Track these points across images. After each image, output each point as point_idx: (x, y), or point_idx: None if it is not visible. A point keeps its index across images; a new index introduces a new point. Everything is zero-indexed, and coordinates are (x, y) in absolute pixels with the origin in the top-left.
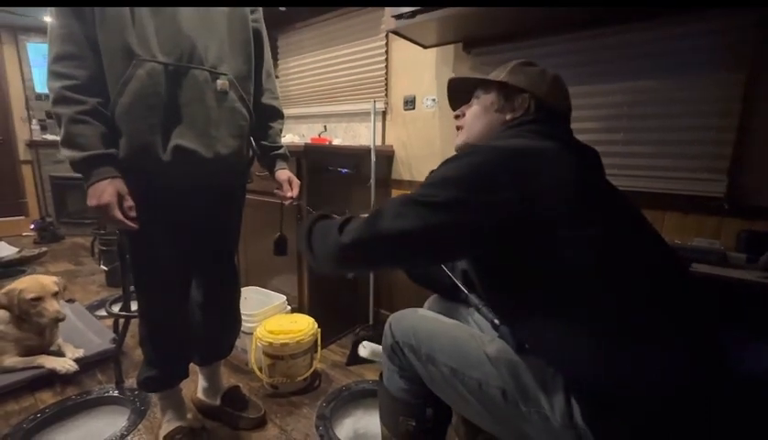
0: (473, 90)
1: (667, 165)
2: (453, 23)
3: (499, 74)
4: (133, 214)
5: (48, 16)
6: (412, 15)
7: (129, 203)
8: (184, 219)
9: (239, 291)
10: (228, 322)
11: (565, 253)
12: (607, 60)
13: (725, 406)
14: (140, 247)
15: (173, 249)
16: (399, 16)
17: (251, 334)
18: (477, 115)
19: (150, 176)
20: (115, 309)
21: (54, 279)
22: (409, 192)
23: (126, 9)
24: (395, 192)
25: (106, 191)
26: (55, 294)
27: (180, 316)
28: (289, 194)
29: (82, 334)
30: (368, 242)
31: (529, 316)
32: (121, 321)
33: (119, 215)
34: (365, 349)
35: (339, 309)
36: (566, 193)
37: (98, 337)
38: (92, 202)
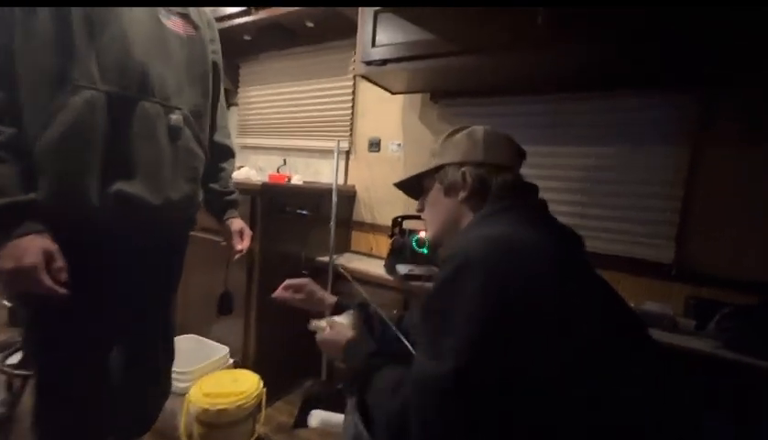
0: (421, 181)
1: (622, 228)
2: (422, 75)
3: (431, 159)
4: (64, 277)
5: None
6: (383, 63)
7: (60, 263)
8: (115, 279)
9: (173, 354)
10: (156, 391)
11: (537, 365)
12: (568, 123)
13: None
14: (52, 316)
15: (94, 317)
16: (369, 63)
17: (183, 395)
18: (432, 205)
19: (75, 227)
20: (14, 360)
21: None
22: (373, 238)
23: (62, 24)
24: (356, 234)
25: (29, 249)
26: None
27: (95, 389)
28: (239, 247)
29: None
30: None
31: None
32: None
33: (48, 281)
34: (314, 419)
35: (288, 360)
36: (549, 297)
37: None
38: (7, 264)
